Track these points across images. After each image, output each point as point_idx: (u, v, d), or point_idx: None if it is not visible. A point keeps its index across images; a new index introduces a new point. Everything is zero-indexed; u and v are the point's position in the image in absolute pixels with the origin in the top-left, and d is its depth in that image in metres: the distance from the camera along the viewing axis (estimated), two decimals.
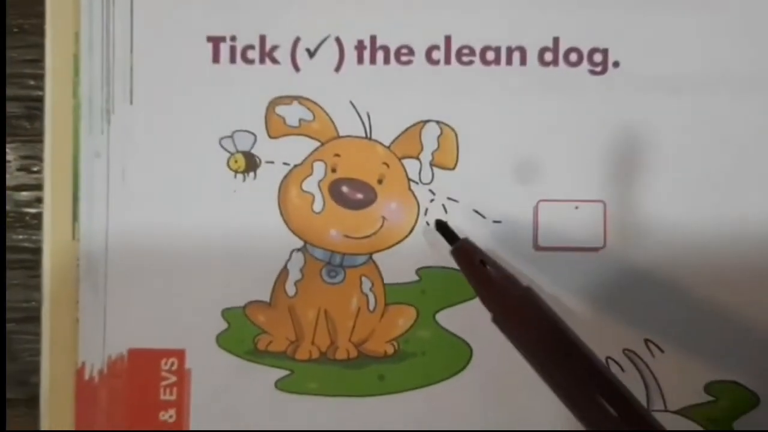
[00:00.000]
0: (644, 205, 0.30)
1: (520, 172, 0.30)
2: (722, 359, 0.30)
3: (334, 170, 0.31)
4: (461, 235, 0.29)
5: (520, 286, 0.28)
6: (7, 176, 0.32)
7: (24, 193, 0.32)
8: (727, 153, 0.30)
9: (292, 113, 0.30)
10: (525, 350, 0.26)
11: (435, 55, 0.30)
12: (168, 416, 0.30)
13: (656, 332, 0.30)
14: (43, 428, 0.30)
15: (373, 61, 0.30)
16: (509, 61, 0.30)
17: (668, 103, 0.30)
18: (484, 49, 0.30)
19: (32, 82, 0.32)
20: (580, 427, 0.30)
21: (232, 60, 0.31)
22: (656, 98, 0.30)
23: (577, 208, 0.30)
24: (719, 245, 0.30)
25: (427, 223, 0.30)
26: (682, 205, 0.30)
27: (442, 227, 0.29)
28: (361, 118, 0.30)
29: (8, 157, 0.32)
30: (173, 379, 0.30)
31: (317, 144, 0.31)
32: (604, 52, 0.30)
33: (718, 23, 0.30)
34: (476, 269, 0.28)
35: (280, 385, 0.30)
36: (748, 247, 0.30)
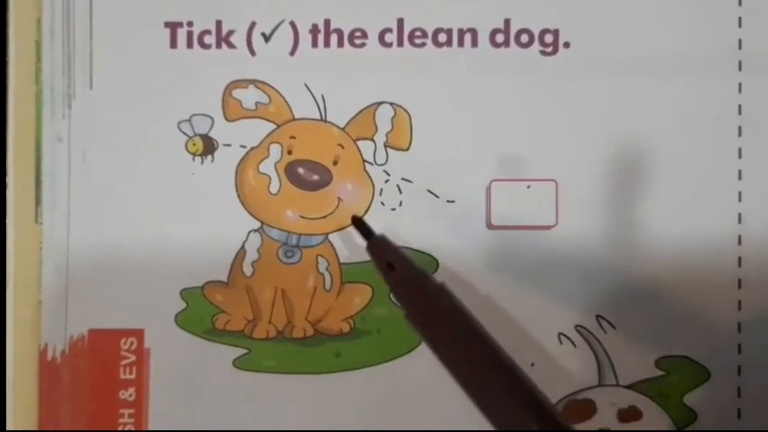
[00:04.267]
0: (595, 183, 0.31)
1: (473, 153, 0.31)
2: (673, 335, 0.30)
3: (290, 152, 0.31)
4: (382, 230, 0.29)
5: (431, 285, 0.28)
6: None
7: None
8: (678, 132, 0.31)
9: (248, 96, 0.31)
10: (436, 349, 0.26)
11: (388, 37, 0.31)
12: (128, 395, 0.31)
13: (608, 308, 0.30)
14: (7, 407, 0.31)
15: (327, 44, 0.31)
16: (461, 43, 0.31)
17: (618, 83, 0.31)
18: (436, 32, 0.31)
19: None
20: None
21: (189, 45, 0.31)
22: (606, 78, 0.31)
23: (529, 187, 0.31)
24: (670, 222, 0.30)
25: (383, 203, 0.31)
26: (633, 182, 0.31)
27: (357, 223, 0.29)
28: (315, 101, 0.31)
29: None
30: (132, 358, 0.31)
31: (273, 126, 0.31)
32: (555, 33, 0.31)
33: (669, 4, 0.31)
34: (385, 270, 0.28)
35: (238, 363, 0.31)
36: (700, 225, 0.30)
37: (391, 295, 0.28)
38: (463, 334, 0.26)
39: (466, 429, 0.30)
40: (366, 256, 0.31)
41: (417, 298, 0.27)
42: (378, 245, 0.29)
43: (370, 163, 0.31)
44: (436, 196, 0.31)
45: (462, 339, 0.26)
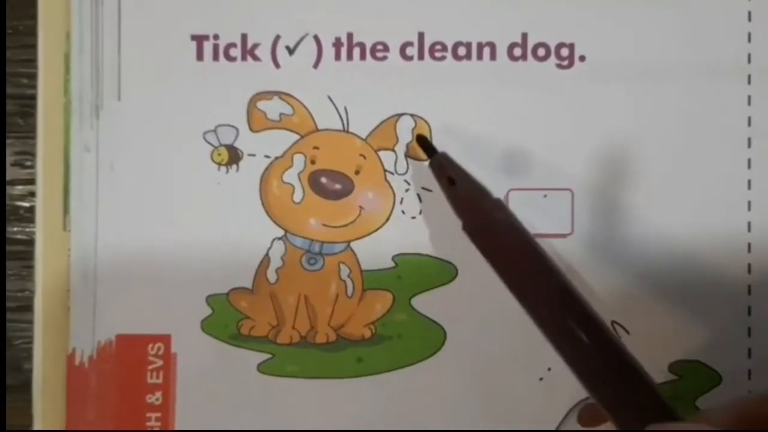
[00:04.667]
0: (611, 192, 0.32)
1: (491, 163, 0.32)
2: (686, 340, 0.31)
3: (313, 162, 0.32)
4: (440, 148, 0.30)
5: (490, 200, 0.29)
6: None
7: (18, 187, 0.34)
8: (690, 144, 0.32)
9: (272, 108, 0.32)
10: (491, 259, 0.27)
11: (409, 51, 0.32)
12: (155, 399, 0.32)
13: (622, 315, 0.31)
14: (35, 412, 0.32)
15: (349, 57, 0.32)
16: (480, 57, 0.32)
17: (632, 95, 0.32)
18: (456, 45, 0.32)
19: (26, 81, 0.33)
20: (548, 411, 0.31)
21: (215, 57, 0.32)
22: (621, 91, 0.32)
23: (545, 196, 0.32)
24: (682, 230, 0.31)
25: (403, 212, 0.32)
26: (647, 192, 0.31)
27: (422, 141, 0.30)
28: (338, 112, 0.32)
29: None
30: (159, 363, 0.32)
31: (297, 137, 0.32)
32: (571, 46, 0.32)
33: (681, 20, 0.32)
34: (445, 184, 0.29)
35: (262, 368, 0.32)
36: (711, 233, 0.31)
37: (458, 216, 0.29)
38: (518, 245, 0.28)
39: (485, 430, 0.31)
40: (386, 264, 0.32)
41: (475, 210, 0.28)
42: (440, 161, 0.30)
43: (391, 173, 0.32)
44: None
45: (516, 250, 0.27)
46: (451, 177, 0.29)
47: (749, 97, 0.32)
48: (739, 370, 0.31)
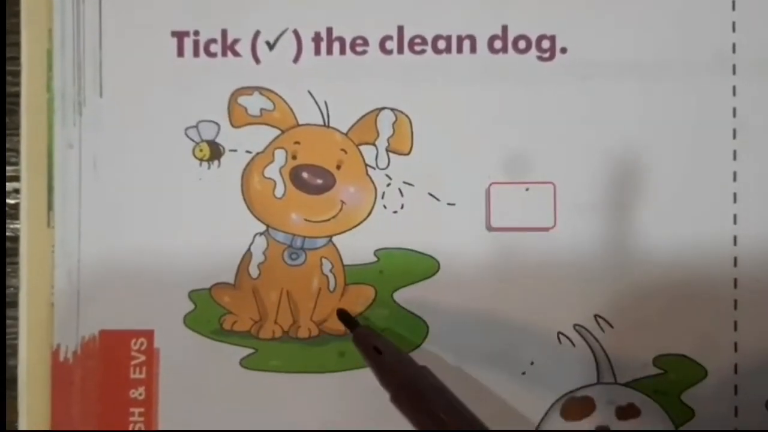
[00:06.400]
0: (593, 185, 0.31)
1: (472, 156, 0.31)
2: (670, 334, 0.31)
3: (294, 157, 0.32)
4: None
5: (415, 367, 0.29)
6: None
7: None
8: (674, 135, 0.31)
9: (253, 103, 0.32)
10: (422, 426, 0.28)
11: (388, 45, 0.32)
12: (138, 394, 0.32)
13: (605, 308, 0.31)
14: (21, 407, 0.32)
15: (329, 52, 0.32)
16: (460, 50, 0.32)
17: (614, 88, 0.31)
18: (436, 38, 0.32)
19: (10, 78, 0.34)
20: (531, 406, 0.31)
21: (196, 53, 0.32)
22: (602, 83, 0.31)
23: (527, 189, 0.31)
24: (667, 223, 0.31)
25: (384, 207, 0.32)
26: (630, 184, 0.31)
27: (343, 316, 0.31)
28: (319, 107, 0.32)
29: None
30: (142, 358, 0.32)
31: (278, 132, 0.32)
32: (552, 38, 0.31)
33: (664, 9, 0.31)
34: (371, 355, 0.29)
35: (245, 362, 0.32)
36: (696, 225, 0.31)
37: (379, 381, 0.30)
38: (448, 411, 0.28)
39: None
40: (368, 258, 0.32)
41: (403, 378, 0.28)
42: (363, 333, 0.30)
43: (372, 167, 0.32)
44: (437, 199, 0.31)
45: (446, 416, 0.28)
46: (377, 347, 0.29)
47: (734, 87, 0.31)
48: (725, 364, 0.31)
